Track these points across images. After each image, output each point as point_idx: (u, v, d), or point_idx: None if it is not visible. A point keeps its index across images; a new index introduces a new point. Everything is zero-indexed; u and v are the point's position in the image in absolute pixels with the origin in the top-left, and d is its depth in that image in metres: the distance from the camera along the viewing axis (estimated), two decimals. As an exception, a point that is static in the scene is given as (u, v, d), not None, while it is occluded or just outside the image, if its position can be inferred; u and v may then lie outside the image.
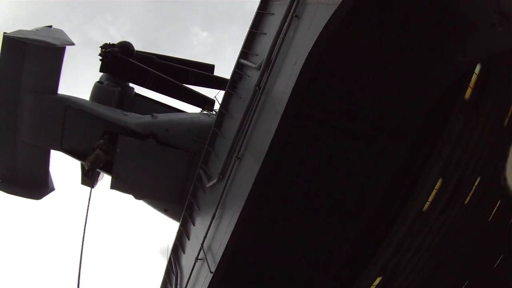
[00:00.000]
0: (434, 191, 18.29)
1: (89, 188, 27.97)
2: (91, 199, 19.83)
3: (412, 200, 17.97)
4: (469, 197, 20.30)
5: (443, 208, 19.25)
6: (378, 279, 20.01)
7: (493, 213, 22.90)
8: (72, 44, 20.67)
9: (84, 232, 18.55)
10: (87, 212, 19.68)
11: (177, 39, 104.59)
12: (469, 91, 17.23)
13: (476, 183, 20.06)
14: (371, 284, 20.13)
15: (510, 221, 24.66)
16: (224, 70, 32.12)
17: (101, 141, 21.78)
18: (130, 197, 24.75)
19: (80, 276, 16.65)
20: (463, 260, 24.24)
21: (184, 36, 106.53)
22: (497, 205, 22.54)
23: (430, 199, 18.36)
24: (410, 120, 16.55)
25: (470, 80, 17.14)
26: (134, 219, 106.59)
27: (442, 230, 20.47)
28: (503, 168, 20.06)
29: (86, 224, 19.21)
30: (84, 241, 18.07)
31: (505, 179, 20.40)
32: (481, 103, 17.79)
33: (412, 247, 19.92)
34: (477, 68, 17.21)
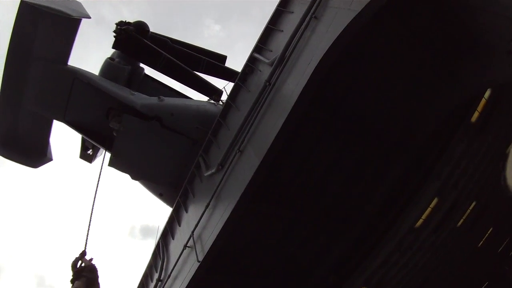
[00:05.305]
0: (429, 209, 18.31)
1: (88, 163, 28.21)
2: (101, 175, 19.91)
3: (406, 215, 18.00)
4: (462, 220, 20.31)
5: (435, 227, 19.27)
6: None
7: (483, 240, 22.92)
8: (89, 17, 20.64)
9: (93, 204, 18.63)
10: (97, 186, 19.75)
11: (189, 28, 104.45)
12: (476, 114, 17.24)
13: (471, 207, 20.07)
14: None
15: (499, 250, 24.71)
16: (232, 66, 32.15)
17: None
18: (126, 176, 24.82)
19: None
20: (448, 282, 24.26)
21: (196, 27, 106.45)
22: (488, 232, 22.57)
23: (423, 216, 18.38)
24: (415, 135, 16.56)
25: (478, 103, 17.15)
26: (124, 196, 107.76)
27: (431, 249, 20.49)
28: (503, 168, 20.03)
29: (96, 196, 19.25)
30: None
31: (505, 179, 20.37)
32: (487, 128, 17.80)
33: (399, 262, 19.93)
34: (487, 93, 17.21)
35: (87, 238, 15.14)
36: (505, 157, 19.95)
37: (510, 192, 20.93)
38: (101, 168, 20.67)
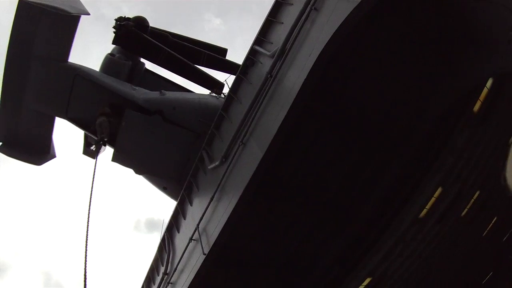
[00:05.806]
0: (433, 199, 18.27)
1: (91, 159, 28.24)
2: (95, 171, 19.97)
3: (409, 205, 17.95)
4: (466, 210, 20.27)
5: (439, 217, 19.24)
6: (367, 280, 20.04)
7: (487, 229, 22.89)
8: (88, 14, 20.68)
9: (90, 203, 18.66)
10: (92, 183, 19.82)
11: (189, 22, 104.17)
12: (478, 104, 17.17)
13: (475, 197, 20.03)
14: (360, 285, 20.15)
15: (504, 239, 24.68)
16: (233, 60, 32.13)
17: (105, 108, 21.98)
18: (130, 171, 24.88)
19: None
20: (452, 272, 24.26)
21: (197, 21, 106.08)
22: (493, 221, 22.53)
23: (427, 206, 18.35)
24: (417, 127, 16.51)
25: (480, 93, 17.08)
26: (129, 190, 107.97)
27: (435, 239, 20.46)
28: (503, 168, 19.99)
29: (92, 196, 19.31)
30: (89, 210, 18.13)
31: (505, 179, 20.35)
32: (489, 117, 17.73)
33: (403, 253, 19.94)
34: (489, 82, 17.14)
35: (85, 280, 14.62)
36: (505, 157, 19.94)
37: (510, 191, 20.94)
38: (95, 165, 20.74)
